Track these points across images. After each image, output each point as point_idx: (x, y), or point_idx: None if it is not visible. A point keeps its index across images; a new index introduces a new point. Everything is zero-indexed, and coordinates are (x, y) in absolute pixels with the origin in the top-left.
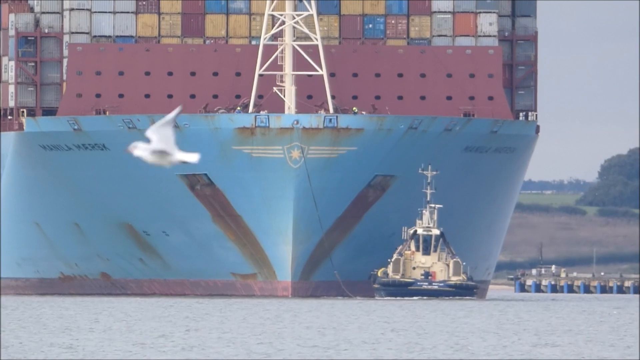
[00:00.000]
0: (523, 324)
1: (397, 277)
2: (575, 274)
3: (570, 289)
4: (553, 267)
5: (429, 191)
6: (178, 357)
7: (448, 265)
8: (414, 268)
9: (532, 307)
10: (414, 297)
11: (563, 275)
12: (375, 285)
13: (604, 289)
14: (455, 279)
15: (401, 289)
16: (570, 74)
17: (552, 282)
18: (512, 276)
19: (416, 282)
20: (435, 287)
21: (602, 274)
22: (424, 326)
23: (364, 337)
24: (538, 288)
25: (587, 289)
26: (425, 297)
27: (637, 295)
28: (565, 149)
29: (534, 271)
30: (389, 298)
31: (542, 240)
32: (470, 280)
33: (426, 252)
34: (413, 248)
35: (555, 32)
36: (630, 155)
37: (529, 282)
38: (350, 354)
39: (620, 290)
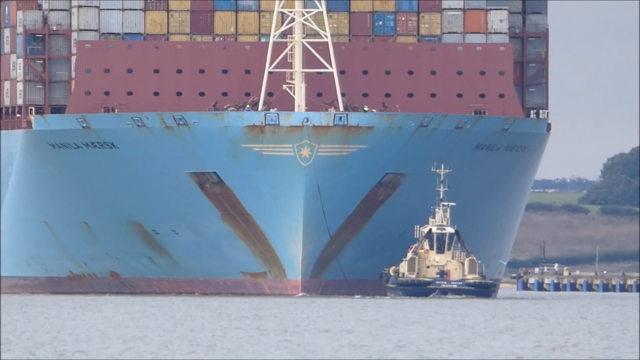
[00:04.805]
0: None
1: (413, 276)
2: (577, 272)
3: (573, 287)
4: (556, 265)
5: (441, 189)
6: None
7: (463, 263)
8: (428, 267)
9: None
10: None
11: (566, 273)
12: (390, 285)
13: (607, 287)
14: (470, 277)
15: (420, 289)
16: (581, 72)
17: (555, 281)
18: (514, 274)
19: (434, 281)
20: (454, 286)
21: (605, 272)
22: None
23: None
24: (541, 286)
25: (589, 287)
26: (447, 296)
27: (639, 294)
28: (569, 148)
29: (536, 269)
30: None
31: (544, 239)
32: (484, 279)
33: (440, 250)
34: (427, 247)
35: (566, 30)
36: (633, 154)
37: (532, 280)
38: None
39: (623, 288)
